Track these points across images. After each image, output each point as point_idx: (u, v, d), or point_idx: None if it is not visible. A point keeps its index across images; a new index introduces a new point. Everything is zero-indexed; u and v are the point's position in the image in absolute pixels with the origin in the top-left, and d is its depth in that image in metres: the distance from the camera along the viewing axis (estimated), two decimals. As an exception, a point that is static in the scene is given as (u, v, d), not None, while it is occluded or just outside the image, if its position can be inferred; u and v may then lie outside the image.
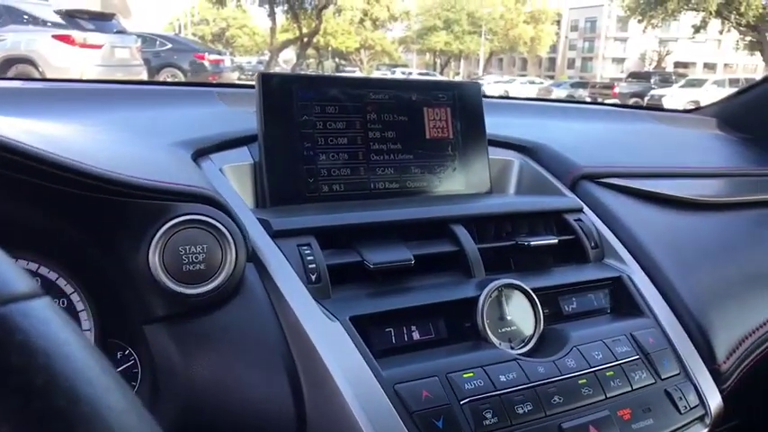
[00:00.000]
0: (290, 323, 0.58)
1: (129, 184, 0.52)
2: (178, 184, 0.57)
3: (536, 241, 0.74)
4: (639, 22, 22.38)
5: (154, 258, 0.54)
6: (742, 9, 18.41)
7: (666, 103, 14.86)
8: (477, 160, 0.88)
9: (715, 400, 0.70)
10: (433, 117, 0.86)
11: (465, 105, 0.88)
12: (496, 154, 0.94)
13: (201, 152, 0.74)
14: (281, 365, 0.57)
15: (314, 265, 0.62)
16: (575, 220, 0.81)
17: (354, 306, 0.61)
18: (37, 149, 0.46)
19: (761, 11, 18.26)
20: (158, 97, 0.96)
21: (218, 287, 0.56)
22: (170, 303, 0.55)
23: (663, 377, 0.68)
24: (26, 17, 7.49)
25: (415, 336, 0.62)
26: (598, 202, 0.86)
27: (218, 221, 0.57)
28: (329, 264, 0.63)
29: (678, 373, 0.69)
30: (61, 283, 0.59)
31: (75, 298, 0.59)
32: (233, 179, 0.74)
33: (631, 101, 17.04)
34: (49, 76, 7.09)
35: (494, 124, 0.93)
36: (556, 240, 0.76)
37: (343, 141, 0.79)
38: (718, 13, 19.54)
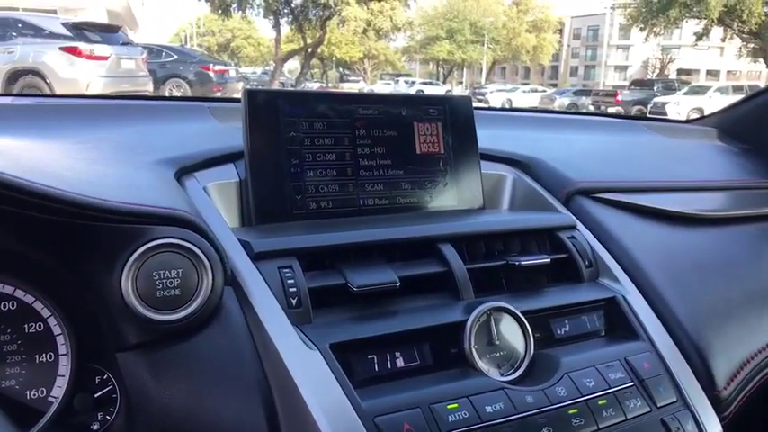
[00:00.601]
0: (267, 350, 0.56)
1: (99, 207, 0.51)
2: (152, 206, 0.55)
3: (527, 261, 0.72)
4: (641, 30, 22.41)
5: (127, 284, 0.53)
6: (744, 17, 18.42)
7: (670, 111, 14.83)
8: (469, 175, 0.87)
9: (715, 430, 0.67)
10: (424, 132, 0.84)
11: (456, 120, 0.86)
12: (490, 168, 0.92)
13: (186, 170, 0.73)
14: (257, 395, 0.55)
15: (294, 289, 0.60)
16: (568, 238, 0.79)
17: (336, 332, 0.59)
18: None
19: (763, 18, 18.26)
20: (149, 113, 0.95)
21: (193, 313, 0.54)
22: (143, 330, 0.54)
23: (659, 405, 0.65)
24: (34, 30, 7.57)
25: (399, 363, 0.60)
26: (592, 219, 0.84)
27: (193, 245, 0.55)
28: (311, 286, 0.61)
29: (675, 401, 0.66)
30: (38, 306, 0.58)
31: (51, 322, 0.58)
32: (217, 197, 0.73)
33: (634, 108, 17.02)
34: (56, 87, 7.18)
35: (488, 137, 0.91)
36: (548, 260, 0.74)
37: (331, 157, 0.78)
38: (720, 21, 19.55)
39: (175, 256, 0.55)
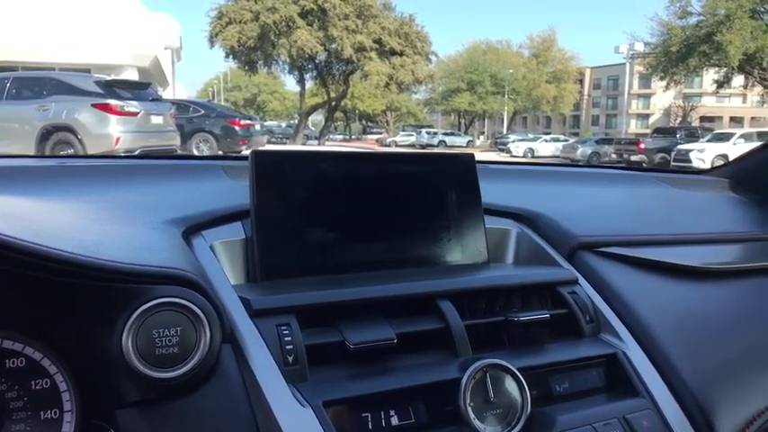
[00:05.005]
0: (262, 408, 0.57)
1: (99, 267, 0.53)
2: (152, 265, 0.57)
3: (526, 317, 0.72)
4: (661, 79, 22.52)
5: (127, 343, 0.54)
6: (764, 64, 18.42)
7: (694, 158, 14.67)
8: (473, 231, 0.88)
9: None
10: (427, 189, 0.86)
11: (459, 176, 0.88)
12: (494, 223, 0.93)
13: (194, 228, 0.75)
14: None
15: (291, 347, 0.61)
16: (569, 293, 0.79)
17: (331, 389, 0.59)
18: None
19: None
20: (165, 172, 0.98)
21: (190, 371, 0.55)
22: (142, 387, 0.55)
23: None
24: (68, 88, 7.89)
25: (394, 421, 0.60)
26: (595, 273, 0.84)
27: (192, 303, 0.57)
28: (308, 344, 0.62)
29: None
30: (45, 363, 0.59)
31: (58, 378, 0.59)
32: (223, 255, 0.75)
33: (658, 156, 16.90)
34: (87, 142, 7.42)
35: (493, 191, 0.92)
36: (547, 315, 0.74)
37: (335, 215, 0.79)
38: (741, 69, 19.55)
39: (174, 314, 0.56)
